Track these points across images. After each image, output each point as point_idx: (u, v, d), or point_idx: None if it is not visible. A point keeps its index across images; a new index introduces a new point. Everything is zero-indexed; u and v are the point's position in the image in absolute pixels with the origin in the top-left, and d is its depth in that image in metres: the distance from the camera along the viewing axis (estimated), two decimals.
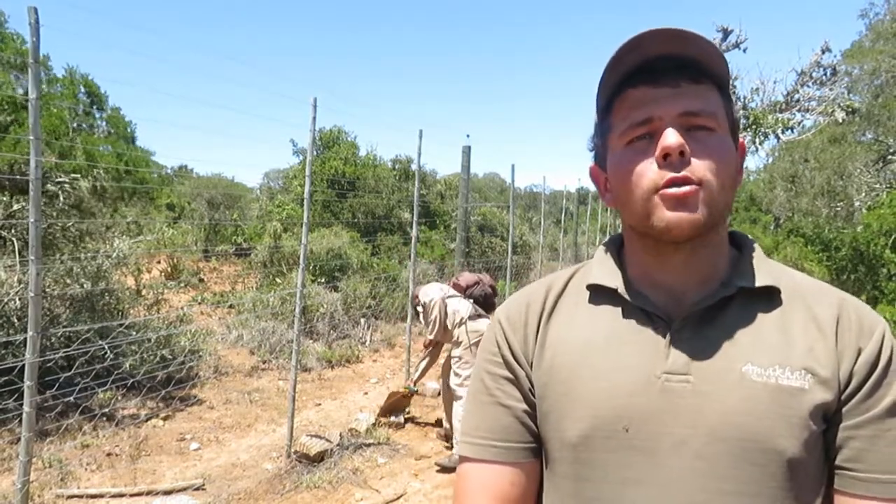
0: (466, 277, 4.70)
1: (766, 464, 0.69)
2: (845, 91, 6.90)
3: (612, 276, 0.81)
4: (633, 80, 0.75)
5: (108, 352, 4.33)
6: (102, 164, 5.71)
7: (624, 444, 0.73)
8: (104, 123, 6.54)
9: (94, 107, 6.45)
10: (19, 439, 2.73)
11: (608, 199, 0.82)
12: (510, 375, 0.82)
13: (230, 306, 7.97)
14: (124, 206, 7.68)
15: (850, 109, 6.32)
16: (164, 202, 14.46)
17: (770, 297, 0.76)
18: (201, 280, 10.31)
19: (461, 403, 4.28)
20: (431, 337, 4.64)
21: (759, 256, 0.80)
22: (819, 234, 7.67)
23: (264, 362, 6.41)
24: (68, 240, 5.67)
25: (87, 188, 5.41)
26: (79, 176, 5.34)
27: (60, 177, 5.28)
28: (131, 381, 4.32)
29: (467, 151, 9.48)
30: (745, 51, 6.29)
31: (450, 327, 4.44)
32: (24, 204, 5.10)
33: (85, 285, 4.99)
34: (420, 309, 4.71)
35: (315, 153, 4.89)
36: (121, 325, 4.89)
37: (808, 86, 6.51)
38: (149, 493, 3.58)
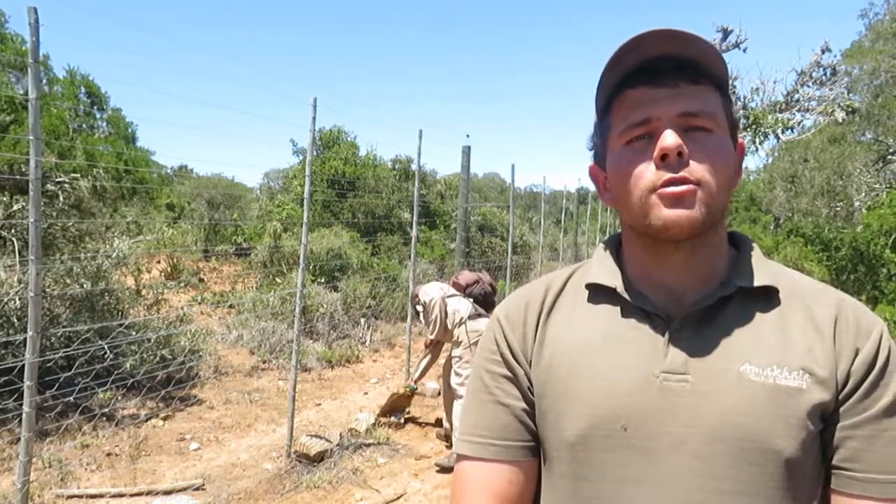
0: (466, 276, 4.70)
1: (764, 463, 0.69)
2: (845, 91, 6.90)
3: (611, 276, 0.81)
4: (632, 81, 0.75)
5: (108, 352, 4.33)
6: (102, 164, 5.71)
7: (622, 444, 0.73)
8: (105, 124, 6.54)
9: (95, 107, 6.45)
10: (19, 439, 2.73)
11: (607, 198, 0.83)
12: (509, 374, 0.82)
13: (230, 306, 7.97)
14: (124, 206, 7.68)
15: (849, 109, 6.32)
16: (164, 202, 14.46)
17: (768, 297, 0.76)
18: (201, 280, 10.31)
19: (462, 403, 4.27)
20: (432, 337, 4.64)
21: (757, 256, 0.80)
22: (819, 234, 7.68)
23: (264, 362, 6.41)
24: (68, 240, 5.67)
25: (87, 188, 5.41)
26: (79, 176, 5.34)
27: (60, 177, 5.28)
28: (131, 381, 4.33)
29: (467, 151, 9.48)
30: (745, 51, 6.30)
31: (450, 327, 4.44)
32: (24, 204, 5.10)
33: (85, 285, 4.99)
34: (420, 308, 4.71)
35: (315, 153, 4.89)
36: (121, 325, 4.89)
37: (808, 86, 6.51)
38: (149, 493, 3.58)
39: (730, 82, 0.86)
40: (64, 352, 4.18)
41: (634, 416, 0.73)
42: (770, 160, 14.62)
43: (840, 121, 6.39)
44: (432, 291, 4.62)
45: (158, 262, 10.01)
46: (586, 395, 0.75)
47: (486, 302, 4.59)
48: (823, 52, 6.37)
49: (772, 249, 7.92)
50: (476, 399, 0.84)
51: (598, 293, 0.81)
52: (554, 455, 0.79)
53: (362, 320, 8.07)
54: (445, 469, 4.10)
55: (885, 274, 6.46)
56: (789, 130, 6.40)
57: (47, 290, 4.74)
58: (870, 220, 6.94)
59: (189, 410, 5.00)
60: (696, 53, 0.73)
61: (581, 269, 0.88)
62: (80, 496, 3.49)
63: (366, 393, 5.91)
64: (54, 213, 5.34)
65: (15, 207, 5.17)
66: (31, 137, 2.54)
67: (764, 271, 0.78)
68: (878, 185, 10.69)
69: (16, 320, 4.47)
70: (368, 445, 4.44)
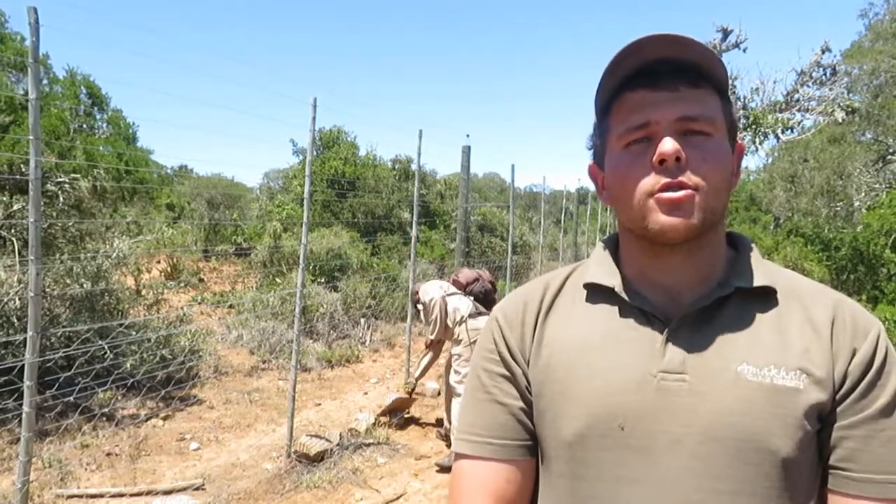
0: (466, 274, 4.70)
1: (761, 463, 0.70)
2: (845, 91, 6.90)
3: (609, 275, 0.81)
4: (631, 84, 0.75)
5: (108, 352, 4.33)
6: (103, 164, 5.71)
7: (619, 443, 0.73)
8: (105, 124, 6.54)
9: (95, 107, 6.45)
10: (19, 439, 2.73)
11: (605, 197, 0.83)
12: (507, 373, 0.83)
13: (230, 306, 7.97)
14: (124, 206, 7.68)
15: (849, 109, 6.32)
16: (163, 202, 14.47)
17: (766, 298, 0.77)
18: (201, 280, 10.31)
19: (460, 401, 4.29)
20: (433, 337, 4.65)
21: (756, 257, 0.81)
22: (819, 233, 7.68)
23: (264, 362, 6.41)
24: (68, 240, 5.67)
25: (87, 188, 5.41)
26: (79, 176, 5.34)
27: (60, 177, 5.28)
28: (131, 381, 4.32)
29: (467, 151, 9.48)
30: (744, 51, 6.31)
31: (450, 325, 4.45)
32: (24, 204, 5.10)
33: (85, 285, 4.99)
34: (420, 307, 4.72)
35: (315, 153, 4.89)
36: (121, 325, 4.89)
37: (808, 86, 6.51)
38: (148, 493, 3.58)
39: (730, 83, 0.86)
40: (64, 352, 4.18)
41: (631, 415, 0.73)
42: (770, 160, 14.64)
43: (840, 121, 6.39)
44: (432, 290, 4.62)
45: (158, 262, 10.01)
46: (584, 395, 0.76)
47: (486, 300, 4.59)
48: (823, 52, 6.38)
49: (772, 249, 7.92)
50: (474, 398, 0.84)
51: (597, 293, 0.82)
52: (551, 454, 0.79)
53: (362, 320, 8.07)
54: (445, 468, 4.10)
55: (885, 274, 6.46)
56: (789, 130, 6.41)
57: (47, 290, 4.74)
58: (870, 219, 6.94)
59: (189, 410, 5.00)
60: (696, 57, 0.73)
61: (579, 268, 0.88)
62: (80, 496, 3.50)
63: (366, 393, 5.91)
64: (54, 213, 5.34)
65: (15, 207, 5.17)
66: (31, 137, 2.54)
67: (762, 272, 0.78)
68: (877, 185, 10.69)
69: (16, 320, 4.47)
70: (368, 445, 4.44)
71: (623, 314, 0.78)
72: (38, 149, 2.55)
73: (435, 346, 4.83)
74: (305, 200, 4.31)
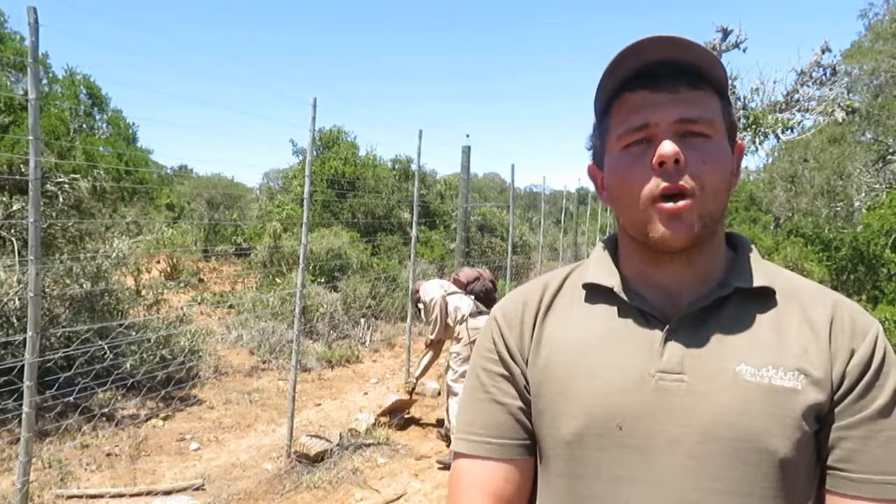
0: (466, 273, 4.71)
1: (759, 463, 0.70)
2: (845, 91, 6.90)
3: (608, 276, 0.82)
4: (631, 85, 0.75)
5: (108, 352, 4.33)
6: (103, 165, 5.70)
7: (617, 443, 0.74)
8: (105, 125, 6.54)
9: (95, 108, 6.45)
10: (19, 439, 2.73)
11: (605, 198, 0.84)
12: (506, 373, 0.83)
13: (230, 306, 7.97)
14: (124, 207, 7.68)
15: (849, 109, 6.32)
16: (163, 202, 14.46)
17: (765, 298, 0.77)
18: (201, 280, 10.31)
19: (457, 400, 4.31)
20: (433, 337, 4.65)
21: (755, 257, 0.81)
22: (819, 234, 7.68)
23: (264, 362, 6.41)
24: (68, 240, 5.67)
25: (87, 188, 5.41)
26: (78, 176, 5.34)
27: (60, 177, 5.27)
28: (131, 381, 4.32)
29: (467, 151, 9.48)
30: (744, 51, 6.30)
31: (451, 324, 4.45)
32: (23, 204, 5.10)
33: (84, 285, 4.99)
34: (421, 306, 4.72)
35: (315, 153, 4.89)
36: (120, 325, 4.89)
37: (808, 86, 6.51)
38: (148, 493, 3.58)
39: (729, 83, 0.87)
40: (63, 352, 4.17)
41: (630, 415, 0.73)
42: (770, 160, 14.63)
43: (840, 121, 6.39)
44: (432, 290, 4.62)
45: (158, 262, 10.01)
46: (582, 395, 0.76)
47: (487, 298, 4.60)
48: (823, 52, 6.37)
49: (772, 249, 7.92)
50: (473, 397, 0.85)
51: (596, 293, 0.82)
52: (550, 453, 0.79)
53: (362, 320, 8.07)
54: (447, 466, 4.10)
55: (886, 274, 6.46)
56: (789, 130, 6.40)
57: (47, 290, 4.74)
58: (870, 220, 6.94)
59: (189, 410, 5.00)
60: (695, 59, 0.73)
61: (579, 268, 0.88)
62: (80, 496, 3.49)
63: (366, 393, 5.90)
64: (54, 214, 5.33)
65: (15, 207, 5.16)
66: (30, 138, 2.54)
67: (761, 272, 0.79)
68: (877, 186, 10.69)
69: (15, 320, 4.47)
70: (368, 445, 4.44)
71: (622, 314, 0.79)
72: (38, 149, 2.55)
73: (435, 346, 4.84)
74: (305, 200, 4.31)
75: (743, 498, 0.70)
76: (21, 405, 2.68)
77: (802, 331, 0.74)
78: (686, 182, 0.72)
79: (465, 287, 4.59)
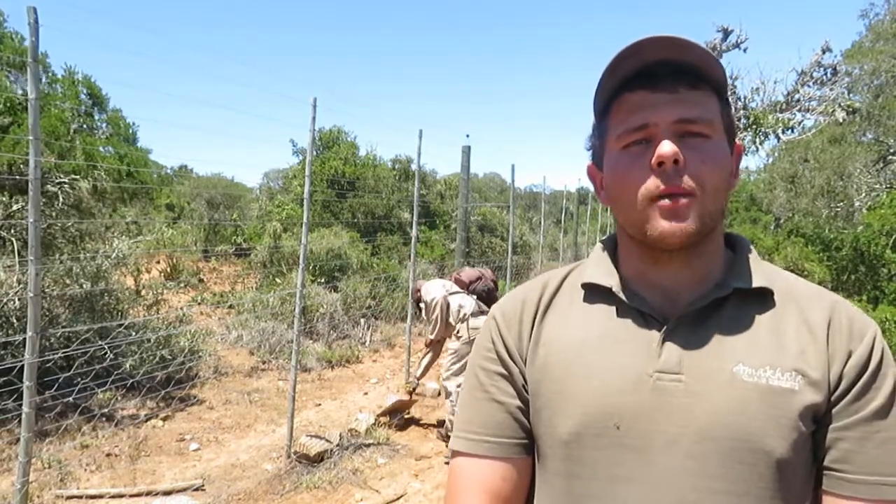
0: (468, 273, 4.71)
1: (756, 463, 0.70)
2: (845, 91, 6.89)
3: (607, 276, 0.82)
4: (631, 85, 0.75)
5: (108, 352, 4.33)
6: (104, 166, 5.70)
7: (615, 442, 0.74)
8: (104, 125, 6.53)
9: (95, 107, 6.44)
10: (19, 440, 2.73)
11: (603, 198, 0.84)
12: (504, 372, 0.83)
13: (230, 306, 7.97)
14: (124, 207, 7.67)
15: (850, 109, 6.31)
16: (163, 202, 14.46)
17: (763, 299, 0.77)
18: (201, 280, 10.31)
19: (451, 399, 4.32)
20: (433, 337, 4.66)
21: (754, 258, 0.81)
22: (819, 234, 7.68)
23: (264, 362, 6.41)
24: (68, 240, 5.67)
25: (88, 189, 5.41)
26: (78, 177, 5.34)
27: (60, 177, 5.27)
28: (131, 381, 4.32)
29: (467, 151, 9.48)
30: (745, 51, 6.29)
31: (453, 323, 4.46)
32: (23, 204, 5.10)
33: (84, 285, 4.99)
34: (422, 306, 4.73)
35: (315, 153, 4.88)
36: (120, 325, 4.89)
37: (809, 86, 6.50)
38: (148, 493, 3.58)
39: (730, 83, 0.86)
40: (63, 352, 4.17)
41: (627, 414, 0.73)
42: (770, 160, 14.64)
43: (841, 121, 6.38)
44: (434, 290, 4.63)
45: (158, 262, 10.01)
46: (580, 394, 0.76)
47: (489, 298, 4.61)
48: (824, 51, 6.37)
49: (772, 250, 7.92)
50: (471, 396, 0.85)
51: (594, 293, 0.82)
52: (548, 453, 0.80)
53: (362, 320, 8.06)
54: None
55: (886, 274, 6.45)
56: (790, 130, 6.39)
57: (47, 290, 4.74)
58: (870, 220, 6.93)
59: (189, 411, 5.00)
60: (695, 59, 0.73)
61: (578, 268, 0.88)
62: (80, 497, 3.49)
63: (366, 393, 5.90)
64: (54, 214, 5.33)
65: (14, 207, 5.16)
66: (30, 138, 2.54)
67: (759, 273, 0.79)
68: (878, 186, 10.69)
69: (15, 321, 4.47)
70: (368, 446, 4.44)
71: (620, 314, 0.79)
72: (38, 149, 2.55)
73: (435, 346, 4.84)
74: (305, 200, 4.31)
75: (739, 498, 0.70)
76: (21, 405, 2.68)
77: (800, 332, 0.74)
78: (685, 182, 0.72)
79: (467, 287, 4.60)
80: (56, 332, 4.60)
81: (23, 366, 2.68)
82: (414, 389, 5.12)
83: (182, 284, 9.16)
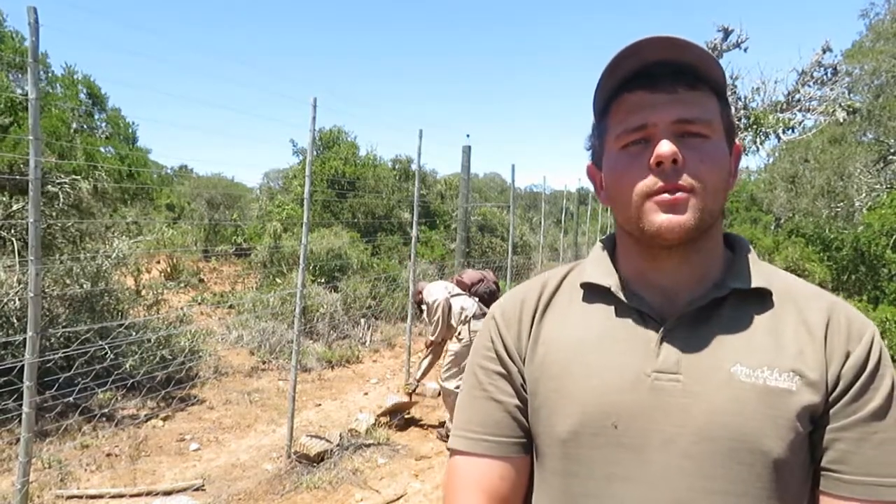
0: (470, 275, 4.72)
1: (753, 463, 0.70)
2: (846, 91, 6.88)
3: (606, 275, 0.82)
4: (630, 85, 0.76)
5: (108, 352, 4.33)
6: (105, 166, 5.70)
7: (612, 441, 0.74)
8: (104, 125, 6.53)
9: (95, 107, 6.44)
10: (19, 440, 2.73)
11: (603, 198, 0.84)
12: (503, 371, 0.83)
13: (230, 306, 7.97)
14: (124, 207, 7.68)
15: (850, 109, 6.31)
16: (163, 202, 14.47)
17: (762, 300, 0.77)
18: (201, 280, 10.31)
19: (458, 398, 4.32)
20: (433, 338, 4.66)
21: (752, 258, 0.81)
22: (820, 234, 7.67)
23: (264, 363, 6.41)
24: (68, 240, 5.67)
25: (88, 189, 5.41)
26: (79, 177, 5.34)
27: (60, 177, 5.27)
28: (131, 381, 4.32)
29: (467, 151, 9.47)
30: (745, 50, 6.29)
31: (454, 324, 4.47)
32: (23, 204, 5.10)
33: (84, 285, 4.99)
34: (423, 307, 4.73)
35: (315, 153, 4.88)
36: (120, 325, 4.89)
37: (809, 85, 6.50)
38: (148, 493, 3.58)
39: (730, 83, 0.86)
40: (63, 352, 4.17)
41: (625, 414, 0.74)
42: (771, 160, 14.65)
43: (841, 121, 6.37)
44: (436, 292, 4.63)
45: (158, 262, 10.01)
46: (578, 394, 0.76)
47: (491, 300, 4.61)
48: (824, 51, 6.36)
49: (772, 250, 7.93)
50: (470, 395, 0.85)
51: (593, 293, 0.82)
52: (545, 451, 0.80)
53: (362, 320, 8.06)
54: None
55: (886, 274, 6.46)
56: (790, 130, 6.39)
57: (47, 290, 4.74)
58: (871, 220, 6.93)
59: (189, 411, 5.00)
60: (694, 59, 0.73)
61: (577, 268, 0.88)
62: (80, 497, 3.49)
63: (366, 393, 5.90)
64: (54, 214, 5.33)
65: (15, 207, 5.17)
66: (30, 138, 2.54)
67: (758, 273, 0.79)
68: (878, 186, 10.69)
69: (15, 321, 4.47)
70: (368, 446, 4.44)
71: (619, 314, 0.79)
72: (38, 149, 2.55)
73: (436, 347, 4.84)
74: (305, 200, 4.31)
75: (737, 498, 0.70)
76: (21, 405, 2.68)
77: (798, 332, 0.74)
78: (684, 181, 0.72)
79: (468, 289, 4.60)
80: (56, 332, 4.60)
81: (23, 366, 2.68)
82: (414, 391, 5.12)
83: (182, 284, 9.16)
